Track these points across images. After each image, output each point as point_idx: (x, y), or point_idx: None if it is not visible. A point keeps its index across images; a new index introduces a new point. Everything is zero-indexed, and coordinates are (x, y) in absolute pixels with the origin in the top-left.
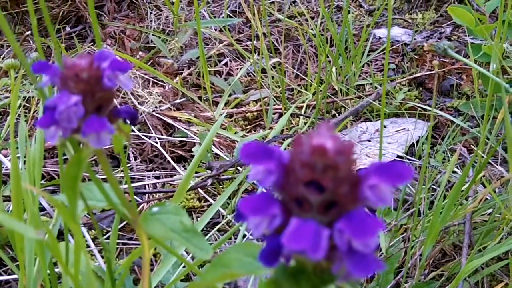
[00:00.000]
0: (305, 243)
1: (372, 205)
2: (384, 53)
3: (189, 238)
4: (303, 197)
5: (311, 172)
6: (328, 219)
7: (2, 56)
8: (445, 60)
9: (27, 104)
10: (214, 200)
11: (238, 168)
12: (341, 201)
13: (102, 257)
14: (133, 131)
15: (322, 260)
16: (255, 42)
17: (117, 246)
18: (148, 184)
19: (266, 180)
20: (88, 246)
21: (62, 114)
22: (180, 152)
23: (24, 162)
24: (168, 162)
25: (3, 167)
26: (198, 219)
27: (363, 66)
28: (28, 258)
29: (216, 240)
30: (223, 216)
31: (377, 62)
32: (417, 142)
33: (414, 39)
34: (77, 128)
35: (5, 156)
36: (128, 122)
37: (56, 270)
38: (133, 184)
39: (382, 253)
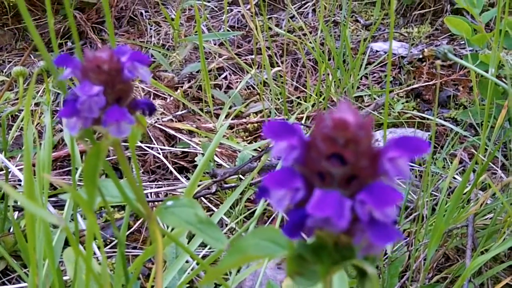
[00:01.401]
0: (329, 210)
1: (391, 179)
2: (381, 66)
3: (204, 229)
4: (325, 170)
5: (333, 145)
6: (349, 192)
7: (4, 71)
8: (442, 72)
9: (30, 117)
10: (217, 209)
11: (241, 177)
12: (362, 174)
13: (108, 265)
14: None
15: (343, 234)
16: (254, 56)
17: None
18: (151, 193)
19: (289, 155)
20: (94, 253)
21: (83, 104)
22: (182, 162)
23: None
24: (171, 172)
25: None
26: None
27: (361, 78)
28: (38, 262)
29: None
30: (226, 224)
31: (375, 74)
32: None
33: (411, 52)
34: (97, 118)
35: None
36: (147, 112)
37: (64, 278)
38: None
39: (387, 257)
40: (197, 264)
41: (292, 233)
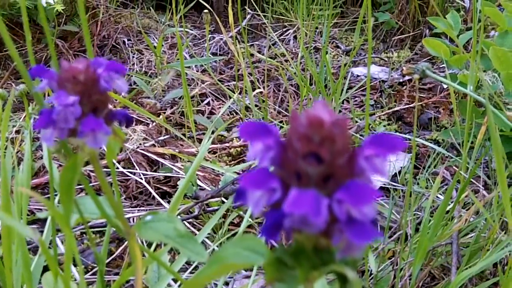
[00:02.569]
0: (305, 208)
1: (368, 178)
2: (362, 90)
3: (184, 243)
4: (301, 170)
5: (309, 144)
6: (326, 191)
7: None
8: (422, 95)
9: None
10: (199, 232)
11: (224, 200)
12: (339, 172)
13: None
14: (117, 168)
15: (321, 236)
16: (236, 82)
17: (105, 280)
18: (133, 218)
19: (265, 156)
20: (75, 279)
21: (59, 114)
22: (165, 188)
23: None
24: (153, 198)
25: None
26: None
27: (343, 102)
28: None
29: None
30: (208, 248)
31: (356, 98)
32: (399, 172)
33: (391, 76)
34: (73, 129)
35: None
36: (124, 124)
37: None
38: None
39: (372, 276)
40: (179, 286)
41: (269, 234)
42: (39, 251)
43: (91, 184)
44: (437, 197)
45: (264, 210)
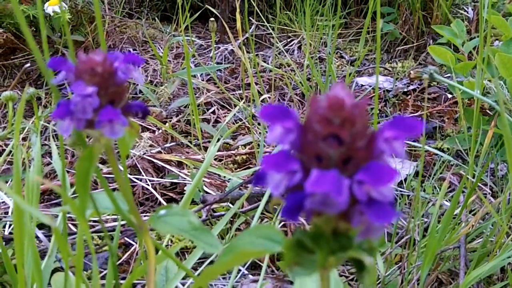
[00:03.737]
0: (328, 186)
1: (387, 160)
2: (367, 99)
3: (198, 235)
4: (322, 152)
5: (330, 126)
6: (346, 173)
7: None
8: (426, 104)
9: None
10: None
11: (231, 204)
12: (358, 154)
13: None
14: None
15: (340, 219)
16: (241, 91)
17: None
18: None
19: (285, 139)
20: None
21: (77, 105)
22: (171, 194)
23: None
24: (160, 204)
25: None
26: (189, 256)
27: None
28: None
29: None
30: (217, 255)
31: None
32: (405, 179)
33: (396, 85)
34: (90, 120)
35: None
36: (140, 115)
37: None
38: (124, 228)
39: (380, 281)
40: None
41: (290, 216)
42: (48, 253)
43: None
44: (443, 202)
45: (283, 194)
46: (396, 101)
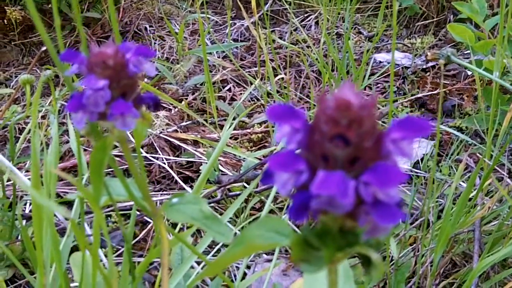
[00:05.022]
0: (333, 189)
1: (394, 161)
2: (384, 76)
3: (210, 224)
4: (329, 152)
5: (337, 126)
6: (353, 173)
7: (11, 85)
8: (446, 81)
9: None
10: (221, 217)
11: (246, 185)
12: (365, 155)
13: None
14: (140, 153)
15: (347, 217)
16: (257, 68)
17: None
18: (156, 202)
19: (292, 138)
20: (100, 260)
21: (89, 98)
22: (187, 172)
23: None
24: (176, 182)
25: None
26: (204, 235)
27: (365, 88)
28: (45, 268)
29: None
30: None
31: (378, 85)
32: (422, 159)
33: (414, 62)
34: (103, 112)
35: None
36: (152, 107)
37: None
38: None
39: (393, 262)
40: (202, 268)
41: (297, 215)
42: (67, 233)
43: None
44: (459, 184)
45: (291, 192)
46: (415, 78)
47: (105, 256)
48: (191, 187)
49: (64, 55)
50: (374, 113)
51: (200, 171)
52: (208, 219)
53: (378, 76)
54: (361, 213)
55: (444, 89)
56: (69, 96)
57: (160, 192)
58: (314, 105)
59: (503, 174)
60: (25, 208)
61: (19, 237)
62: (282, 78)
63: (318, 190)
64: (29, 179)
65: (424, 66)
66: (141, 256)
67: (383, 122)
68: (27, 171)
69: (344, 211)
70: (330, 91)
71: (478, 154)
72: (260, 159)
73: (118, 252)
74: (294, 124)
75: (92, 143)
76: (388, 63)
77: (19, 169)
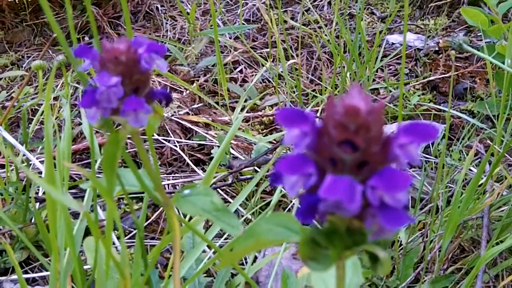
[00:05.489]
0: (340, 194)
1: (401, 165)
2: (397, 58)
3: (220, 216)
4: (336, 156)
5: (345, 132)
6: (360, 177)
7: (24, 66)
8: (458, 64)
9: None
10: (233, 200)
11: (257, 169)
12: (373, 159)
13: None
14: (152, 135)
15: (354, 218)
16: (269, 49)
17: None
18: (168, 185)
19: (301, 142)
20: (113, 243)
21: (102, 95)
22: (199, 155)
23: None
24: (187, 165)
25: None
26: None
27: (377, 70)
28: (59, 251)
29: None
30: (242, 215)
31: (391, 67)
32: (433, 143)
33: (427, 44)
34: (116, 108)
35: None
36: (164, 102)
37: (84, 267)
38: None
39: (402, 248)
40: (214, 253)
41: (305, 217)
42: (80, 216)
43: (127, 151)
44: (470, 170)
45: (300, 193)
46: (427, 61)
47: (118, 238)
48: (203, 169)
49: (77, 51)
50: (381, 118)
51: (211, 154)
52: (218, 211)
53: (390, 58)
54: (368, 215)
55: (456, 72)
56: (82, 92)
57: (172, 175)
58: (326, 88)
59: None
60: (38, 190)
61: (33, 220)
62: (293, 65)
63: (325, 194)
64: (41, 162)
65: (437, 48)
66: (153, 238)
67: (395, 105)
68: (40, 153)
69: (351, 214)
70: (339, 76)
71: (488, 141)
72: (272, 143)
73: (131, 234)
74: (303, 128)
75: (105, 135)
76: (401, 44)
77: (32, 151)
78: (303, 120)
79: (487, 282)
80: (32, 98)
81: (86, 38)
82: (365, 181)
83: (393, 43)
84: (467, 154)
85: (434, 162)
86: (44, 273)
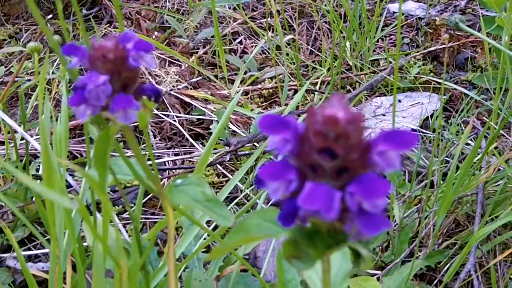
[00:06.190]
0: (319, 204)
1: (381, 170)
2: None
3: (212, 207)
4: (317, 163)
5: (324, 140)
6: (340, 183)
7: (21, 40)
8: (459, 33)
9: (48, 86)
10: (232, 176)
11: (255, 144)
12: (352, 166)
13: (127, 231)
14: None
15: (335, 221)
16: (269, 19)
17: (140, 220)
18: (168, 161)
19: (283, 148)
20: (111, 220)
21: (91, 93)
22: (198, 129)
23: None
24: (187, 139)
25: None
26: (217, 194)
27: (377, 41)
28: (58, 232)
29: (234, 213)
30: (241, 190)
31: (392, 36)
32: (432, 115)
33: (428, 13)
34: (105, 105)
35: (30, 136)
36: (153, 99)
37: (84, 244)
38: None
39: (397, 224)
40: (212, 229)
41: (285, 222)
42: (80, 195)
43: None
44: (466, 144)
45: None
46: (429, 30)
47: (117, 215)
48: (202, 144)
49: (66, 48)
50: (361, 126)
51: (210, 129)
52: (210, 202)
53: (391, 28)
54: (348, 219)
55: (457, 42)
56: (72, 89)
57: (171, 150)
58: (326, 59)
59: (508, 138)
60: (39, 167)
61: (34, 199)
62: (291, 41)
63: (304, 204)
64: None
65: (437, 18)
66: (153, 214)
67: (394, 76)
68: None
69: (330, 220)
70: (339, 46)
71: (485, 118)
72: None
73: (131, 209)
74: (285, 135)
75: (92, 135)
76: (402, 13)
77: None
78: (285, 127)
79: (480, 257)
80: (31, 73)
81: (84, 11)
82: (344, 187)
83: (394, 12)
84: (465, 128)
85: (432, 135)
86: (47, 250)
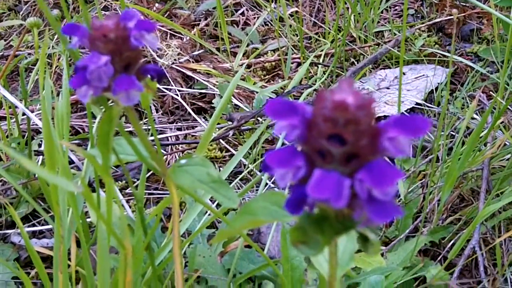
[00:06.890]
0: (327, 193)
1: (391, 156)
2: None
3: (217, 188)
4: (325, 149)
5: (333, 126)
6: (349, 169)
7: (21, 13)
8: (465, 4)
9: (48, 60)
10: (235, 150)
11: (258, 118)
12: (362, 152)
13: (130, 207)
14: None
15: (343, 208)
16: None
17: (144, 196)
18: (171, 136)
19: (291, 134)
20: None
21: (92, 74)
22: (200, 103)
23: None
24: (189, 114)
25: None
26: (221, 169)
27: (382, 12)
28: (62, 209)
29: (239, 189)
30: (244, 165)
31: (396, 7)
32: (436, 88)
33: None
34: (107, 86)
35: (31, 111)
36: (156, 79)
37: (88, 220)
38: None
39: (401, 199)
40: (216, 207)
41: (294, 209)
42: (82, 172)
43: None
44: (472, 118)
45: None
46: (434, 1)
47: (120, 191)
48: (204, 118)
49: (66, 28)
50: (371, 112)
51: (212, 103)
52: (215, 183)
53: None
54: (357, 206)
55: (463, 14)
56: (73, 70)
57: (174, 124)
58: (329, 31)
59: None
60: (41, 143)
61: (36, 175)
62: (297, 1)
63: (313, 193)
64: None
65: None
66: (156, 189)
67: (398, 49)
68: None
69: (339, 207)
70: (342, 17)
71: (492, 93)
72: (274, 93)
73: (134, 185)
74: (292, 120)
75: (99, 111)
76: None
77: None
78: (293, 112)
79: (484, 233)
80: (32, 46)
81: None
82: (353, 173)
83: None
84: (471, 103)
85: (437, 110)
86: (51, 226)
